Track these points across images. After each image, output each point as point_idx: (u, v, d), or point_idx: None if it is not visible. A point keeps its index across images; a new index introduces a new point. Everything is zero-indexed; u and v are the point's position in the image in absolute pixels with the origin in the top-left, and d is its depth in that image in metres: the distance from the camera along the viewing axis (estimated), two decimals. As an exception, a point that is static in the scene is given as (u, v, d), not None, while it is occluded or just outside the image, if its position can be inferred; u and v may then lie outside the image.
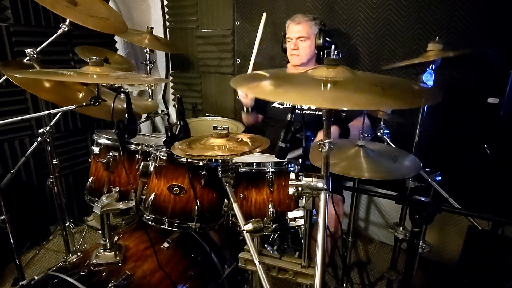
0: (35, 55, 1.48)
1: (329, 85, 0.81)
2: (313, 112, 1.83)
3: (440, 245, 2.06)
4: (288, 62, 1.97)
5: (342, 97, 0.79)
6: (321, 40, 1.79)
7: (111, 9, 1.66)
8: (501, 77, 1.52)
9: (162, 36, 2.74)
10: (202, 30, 2.56)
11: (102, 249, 1.24)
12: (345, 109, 1.22)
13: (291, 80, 0.97)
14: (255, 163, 1.28)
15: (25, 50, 1.48)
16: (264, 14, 1.82)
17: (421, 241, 1.24)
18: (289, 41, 1.84)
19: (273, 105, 1.96)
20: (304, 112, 1.82)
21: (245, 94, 1.85)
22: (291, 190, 0.91)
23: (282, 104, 1.94)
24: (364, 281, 2.02)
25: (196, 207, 1.29)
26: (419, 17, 1.76)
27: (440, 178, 1.39)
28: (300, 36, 1.79)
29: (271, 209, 1.23)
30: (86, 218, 2.51)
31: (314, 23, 1.80)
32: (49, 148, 1.78)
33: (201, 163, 1.28)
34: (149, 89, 2.47)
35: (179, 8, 2.64)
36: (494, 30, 1.60)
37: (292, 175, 0.92)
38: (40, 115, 1.54)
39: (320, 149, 0.88)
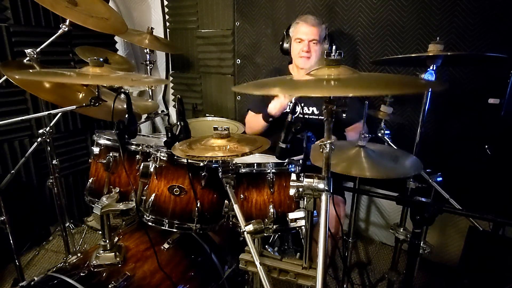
0: (35, 56, 1.47)
1: (332, 82, 0.80)
2: (316, 117, 1.82)
3: (441, 246, 2.06)
4: (290, 63, 1.94)
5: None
6: (328, 45, 1.76)
7: (111, 9, 1.65)
8: (502, 77, 1.52)
9: (162, 36, 2.74)
10: (202, 31, 2.56)
11: (102, 250, 1.24)
12: (350, 95, 1.15)
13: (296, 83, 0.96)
14: (255, 164, 1.27)
15: (25, 51, 1.47)
16: None
17: (422, 242, 1.23)
18: (299, 42, 1.75)
19: None
20: (308, 117, 1.81)
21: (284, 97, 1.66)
22: (292, 191, 0.91)
23: None
24: (365, 282, 2.02)
25: (196, 208, 1.28)
26: (420, 17, 1.75)
27: (441, 179, 1.39)
28: (313, 39, 1.72)
29: (271, 210, 1.22)
30: (86, 219, 2.50)
31: (324, 27, 1.76)
32: (49, 148, 1.77)
33: (201, 164, 1.28)
34: (149, 90, 2.46)
35: (179, 9, 2.64)
36: (495, 30, 1.59)
37: (293, 176, 0.91)
38: (40, 115, 1.54)
39: (321, 150, 0.88)
